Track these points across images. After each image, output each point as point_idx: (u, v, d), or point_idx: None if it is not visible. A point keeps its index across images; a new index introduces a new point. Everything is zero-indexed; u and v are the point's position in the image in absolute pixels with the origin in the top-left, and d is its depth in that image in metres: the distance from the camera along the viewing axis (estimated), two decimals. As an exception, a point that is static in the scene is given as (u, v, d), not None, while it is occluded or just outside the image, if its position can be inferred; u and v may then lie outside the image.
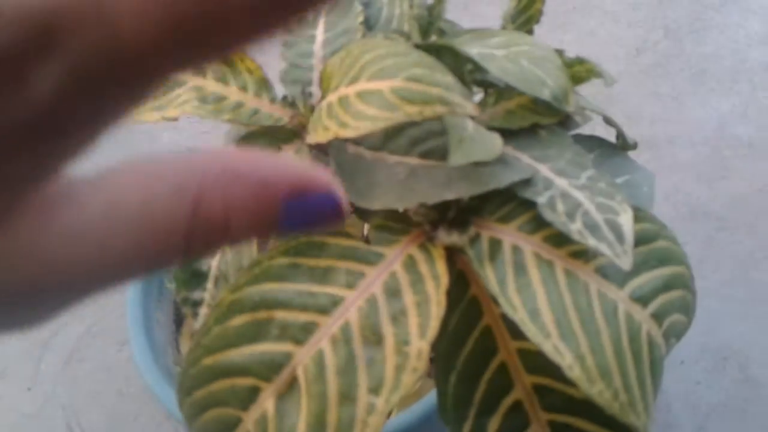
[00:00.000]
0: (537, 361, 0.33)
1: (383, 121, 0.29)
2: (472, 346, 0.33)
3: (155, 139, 1.03)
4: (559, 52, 0.37)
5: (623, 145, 0.44)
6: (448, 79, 0.29)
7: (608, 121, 0.43)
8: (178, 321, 0.65)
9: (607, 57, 1.05)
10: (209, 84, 0.36)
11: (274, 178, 0.13)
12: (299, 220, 0.14)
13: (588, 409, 0.33)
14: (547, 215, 0.32)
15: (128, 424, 0.77)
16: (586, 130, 0.42)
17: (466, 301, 0.34)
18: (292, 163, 0.14)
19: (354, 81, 0.31)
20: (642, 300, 0.33)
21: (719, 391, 0.74)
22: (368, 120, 0.29)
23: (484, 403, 0.33)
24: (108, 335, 0.84)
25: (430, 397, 0.53)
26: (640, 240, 0.33)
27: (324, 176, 0.14)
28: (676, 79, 1.02)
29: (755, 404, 0.73)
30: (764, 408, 0.73)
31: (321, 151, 0.39)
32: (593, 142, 0.42)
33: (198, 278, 0.34)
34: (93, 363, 0.82)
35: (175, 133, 1.04)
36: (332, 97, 0.32)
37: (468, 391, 0.33)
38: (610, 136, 0.45)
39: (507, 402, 0.33)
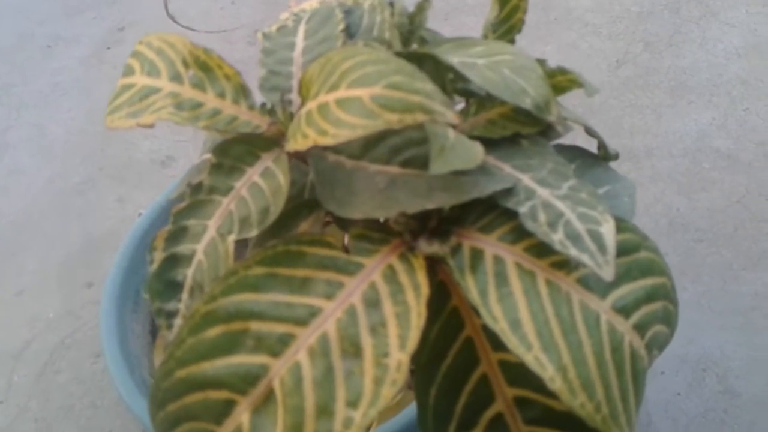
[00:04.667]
0: (518, 373, 0.33)
1: (363, 128, 0.28)
2: (453, 357, 0.33)
3: (135, 147, 1.02)
4: (541, 62, 0.37)
5: (604, 155, 0.44)
6: (429, 86, 0.29)
7: (589, 131, 0.43)
8: (155, 332, 0.63)
9: (588, 69, 1.06)
10: (186, 90, 0.35)
11: None
12: None
13: (569, 421, 0.33)
14: (529, 225, 0.31)
15: (102, 438, 0.75)
16: (567, 140, 0.41)
17: (447, 312, 0.34)
18: None
19: (334, 88, 0.30)
20: (624, 311, 0.33)
21: (699, 403, 0.75)
22: (348, 128, 0.29)
23: (465, 416, 0.32)
24: (82, 347, 0.83)
25: (411, 410, 0.52)
26: (622, 251, 0.33)
27: None
28: (655, 92, 1.03)
29: (734, 415, 0.73)
30: (743, 419, 0.73)
31: (300, 159, 0.38)
32: (574, 152, 0.41)
33: (172, 289, 0.33)
34: (67, 375, 0.80)
35: (154, 142, 1.03)
36: (312, 105, 0.31)
37: (448, 404, 0.33)
38: (591, 146, 0.45)
39: (488, 415, 0.33)
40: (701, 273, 0.84)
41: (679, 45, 1.09)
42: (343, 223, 0.39)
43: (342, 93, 0.30)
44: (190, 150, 1.03)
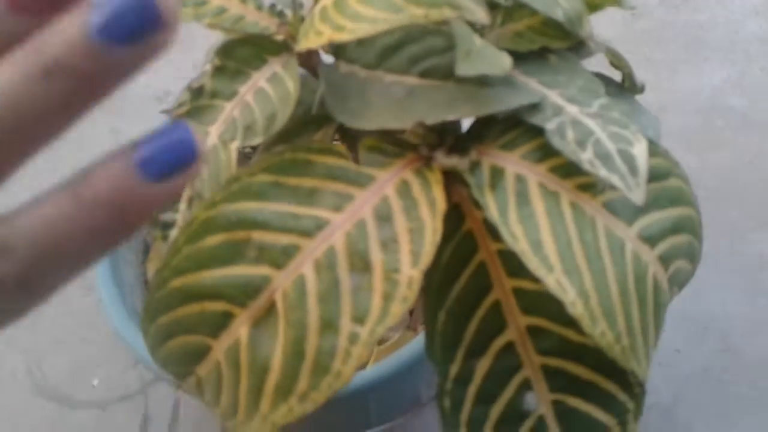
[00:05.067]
0: (533, 301, 0.31)
1: (384, 22, 0.26)
2: (465, 282, 0.31)
3: (131, 81, 0.99)
4: (574, -26, 0.34)
5: (631, 87, 0.41)
6: (458, -20, 0.26)
7: (615, 60, 0.41)
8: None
9: (604, 21, 1.02)
10: (190, -16, 0.32)
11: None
12: (158, 169, 0.14)
13: (584, 353, 0.31)
14: (556, 142, 0.29)
15: (91, 371, 0.74)
16: (590, 69, 0.39)
17: (461, 235, 0.32)
18: None
19: (352, -20, 0.28)
20: (650, 240, 0.31)
21: (698, 360, 0.74)
22: (367, 22, 0.26)
23: (475, 342, 0.31)
24: (74, 280, 0.81)
25: (409, 349, 0.51)
26: (652, 176, 0.31)
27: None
28: (670, 47, 0.99)
29: (733, 374, 0.73)
30: (742, 378, 0.73)
31: (310, 70, 0.36)
32: (600, 80, 0.39)
33: (169, 197, 0.31)
34: (57, 308, 0.79)
35: (151, 76, 1.00)
36: (327, 1, 0.29)
37: (458, 330, 0.31)
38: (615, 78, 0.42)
39: (498, 343, 0.31)
40: (708, 232, 0.82)
41: (697, 0, 1.05)
42: (353, 141, 0.36)
43: (362, -15, 0.27)
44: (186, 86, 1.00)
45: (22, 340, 0.77)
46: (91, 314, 0.78)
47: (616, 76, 0.43)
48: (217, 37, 0.44)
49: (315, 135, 0.36)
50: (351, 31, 0.27)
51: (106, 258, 0.55)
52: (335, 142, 0.30)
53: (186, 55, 1.06)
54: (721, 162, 0.88)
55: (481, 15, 0.26)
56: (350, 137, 0.36)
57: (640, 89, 0.41)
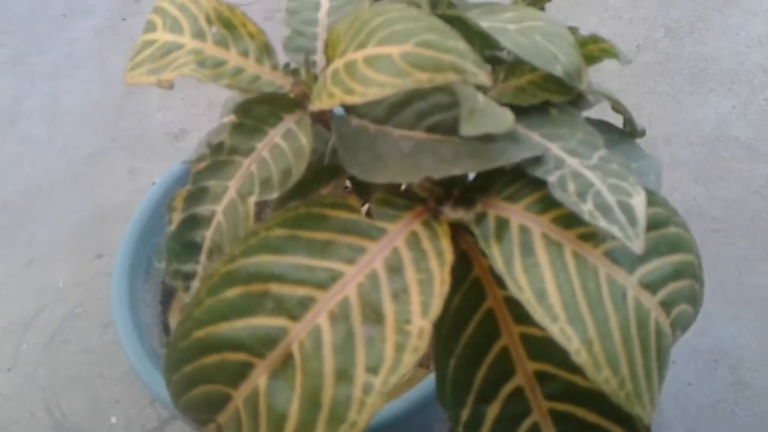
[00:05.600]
0: (540, 347, 0.32)
1: (392, 87, 0.28)
2: (474, 329, 0.32)
3: (148, 119, 1.02)
4: (573, 30, 0.36)
5: (631, 131, 0.43)
6: (461, 45, 0.28)
7: (617, 106, 0.42)
8: (165, 302, 0.63)
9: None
10: (209, 48, 0.34)
11: None
12: None
13: (591, 398, 0.32)
14: (558, 195, 0.30)
15: (109, 408, 0.75)
16: (592, 115, 0.40)
17: (469, 282, 0.33)
18: None
19: (362, 46, 0.29)
20: (651, 287, 0.32)
21: (710, 393, 0.74)
22: (376, 86, 0.28)
23: (484, 388, 0.32)
24: (92, 317, 0.82)
25: (422, 387, 0.52)
26: (651, 225, 0.32)
27: None
28: (675, 78, 1.01)
29: (745, 407, 0.73)
30: (754, 411, 0.73)
31: (322, 124, 0.37)
32: (601, 127, 0.40)
33: (191, 250, 0.33)
34: (75, 345, 0.80)
35: (167, 114, 1.03)
36: (338, 63, 0.31)
37: (468, 376, 0.32)
38: (617, 123, 0.44)
39: (507, 388, 0.32)
40: (717, 263, 0.83)
41: (701, 32, 1.07)
42: (363, 191, 0.38)
43: (371, 51, 0.29)
44: (203, 123, 1.02)
45: (40, 377, 0.78)
46: (109, 351, 0.80)
47: (618, 119, 0.44)
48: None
49: (328, 184, 0.37)
50: (361, 95, 0.28)
51: (125, 299, 0.57)
52: (348, 195, 0.32)
53: (200, 93, 1.08)
54: (727, 192, 0.89)
55: (484, 78, 0.27)
56: (361, 186, 0.38)
57: (641, 133, 0.43)
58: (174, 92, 1.08)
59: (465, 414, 0.32)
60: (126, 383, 0.77)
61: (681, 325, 0.35)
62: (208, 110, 1.04)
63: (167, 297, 0.64)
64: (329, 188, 0.37)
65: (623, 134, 0.42)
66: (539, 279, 0.29)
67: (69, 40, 1.17)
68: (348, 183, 0.39)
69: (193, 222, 0.33)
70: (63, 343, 0.81)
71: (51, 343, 0.81)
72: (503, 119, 0.29)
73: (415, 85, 0.27)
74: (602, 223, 0.30)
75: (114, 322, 0.56)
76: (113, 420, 0.75)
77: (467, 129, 0.28)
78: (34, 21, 1.21)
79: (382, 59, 0.28)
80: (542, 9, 0.39)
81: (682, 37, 1.07)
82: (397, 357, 0.28)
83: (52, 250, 0.89)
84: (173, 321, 0.32)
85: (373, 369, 0.28)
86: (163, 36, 0.34)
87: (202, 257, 0.33)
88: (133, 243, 0.60)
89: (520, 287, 0.29)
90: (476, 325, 0.32)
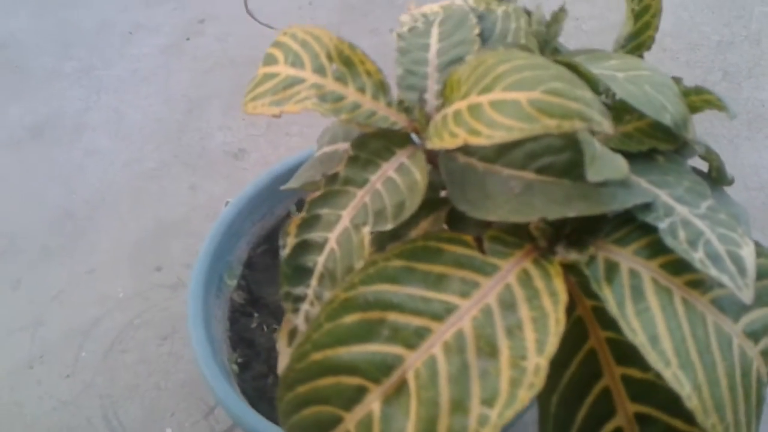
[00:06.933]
0: (641, 389, 0.33)
1: (519, 131, 0.29)
2: (576, 367, 0.33)
3: (209, 137, 1.04)
4: (677, 80, 0.37)
5: (718, 178, 0.44)
6: (588, 95, 0.29)
7: (707, 153, 0.43)
8: (233, 319, 0.64)
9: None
10: (329, 83, 0.36)
11: None
12: None
13: (689, 442, 0.33)
14: (669, 241, 0.31)
15: (164, 419, 0.77)
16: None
17: (572, 322, 0.34)
18: None
19: (487, 90, 0.31)
20: (754, 336, 0.32)
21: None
22: (503, 129, 0.29)
23: (585, 427, 0.32)
24: (150, 328, 0.84)
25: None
26: (757, 275, 0.33)
27: None
28: (732, 123, 1.01)
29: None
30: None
31: (429, 160, 0.39)
32: (705, 181, 0.41)
33: (302, 274, 0.34)
34: (133, 355, 0.82)
35: (228, 134, 1.05)
36: (460, 105, 0.32)
37: (569, 414, 0.33)
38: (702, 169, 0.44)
39: (608, 428, 0.33)
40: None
41: (759, 77, 1.07)
42: (461, 227, 0.39)
43: (497, 95, 0.30)
44: (261, 144, 1.04)
45: (98, 385, 0.80)
46: (166, 363, 0.81)
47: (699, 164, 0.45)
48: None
49: (428, 217, 0.38)
50: (488, 137, 0.29)
51: (200, 314, 0.58)
52: (461, 232, 0.33)
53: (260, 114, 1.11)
54: (786, 239, 0.88)
55: (608, 127, 0.29)
56: (459, 221, 0.39)
57: (730, 181, 0.43)
58: (235, 112, 1.11)
59: (565, 451, 0.32)
60: (181, 395, 0.79)
61: (776, 374, 0.35)
62: (267, 131, 1.06)
63: (234, 314, 0.65)
64: (430, 220, 0.38)
65: (712, 181, 0.43)
66: (651, 324, 0.30)
67: (134, 57, 1.20)
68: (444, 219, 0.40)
69: (306, 247, 0.34)
70: (121, 353, 0.83)
71: (110, 351, 0.83)
72: (620, 166, 0.31)
73: (542, 131, 0.29)
74: (713, 271, 0.30)
75: (189, 335, 0.57)
76: (168, 431, 0.76)
77: (593, 174, 0.29)
78: (101, 37, 1.26)
79: (509, 104, 0.30)
80: (641, 56, 0.40)
81: (739, 81, 1.07)
82: (512, 392, 0.29)
83: (113, 261, 0.91)
84: (281, 341, 0.33)
85: (488, 402, 0.29)
86: (285, 70, 0.36)
87: (313, 281, 0.34)
88: (208, 261, 0.62)
89: (634, 331, 0.30)
90: (579, 364, 0.33)
